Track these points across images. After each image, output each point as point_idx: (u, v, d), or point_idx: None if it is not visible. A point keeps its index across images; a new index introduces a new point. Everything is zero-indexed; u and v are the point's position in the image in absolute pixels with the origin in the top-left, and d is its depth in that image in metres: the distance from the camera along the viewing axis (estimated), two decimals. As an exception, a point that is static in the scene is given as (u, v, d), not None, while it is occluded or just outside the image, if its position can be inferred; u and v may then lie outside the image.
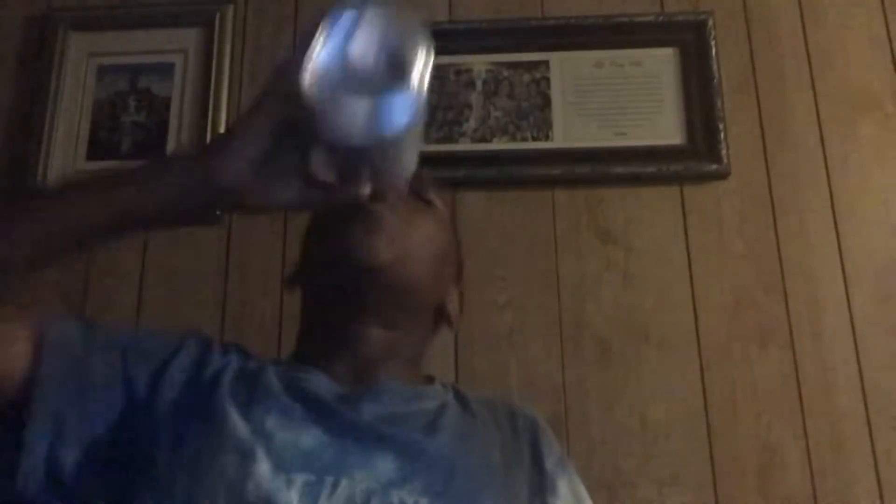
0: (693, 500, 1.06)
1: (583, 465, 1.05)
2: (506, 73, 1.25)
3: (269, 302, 1.16)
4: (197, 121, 1.23)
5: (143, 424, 0.62)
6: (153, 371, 0.65)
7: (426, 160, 0.65)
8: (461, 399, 0.72)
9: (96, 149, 1.23)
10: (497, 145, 1.22)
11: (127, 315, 1.15)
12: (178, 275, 1.18)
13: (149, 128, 1.24)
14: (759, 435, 1.08)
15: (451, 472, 0.61)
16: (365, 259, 0.65)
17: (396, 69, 0.55)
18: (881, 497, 1.05)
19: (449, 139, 1.22)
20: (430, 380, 0.75)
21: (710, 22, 1.25)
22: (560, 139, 1.22)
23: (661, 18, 1.26)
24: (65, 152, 1.23)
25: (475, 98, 1.24)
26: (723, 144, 1.19)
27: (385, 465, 0.59)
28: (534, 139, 1.22)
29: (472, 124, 1.23)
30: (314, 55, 0.53)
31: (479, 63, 1.26)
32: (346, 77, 0.53)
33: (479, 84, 1.25)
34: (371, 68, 0.54)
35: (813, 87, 1.24)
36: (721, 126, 1.20)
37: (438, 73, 1.25)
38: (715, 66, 1.22)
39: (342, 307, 0.69)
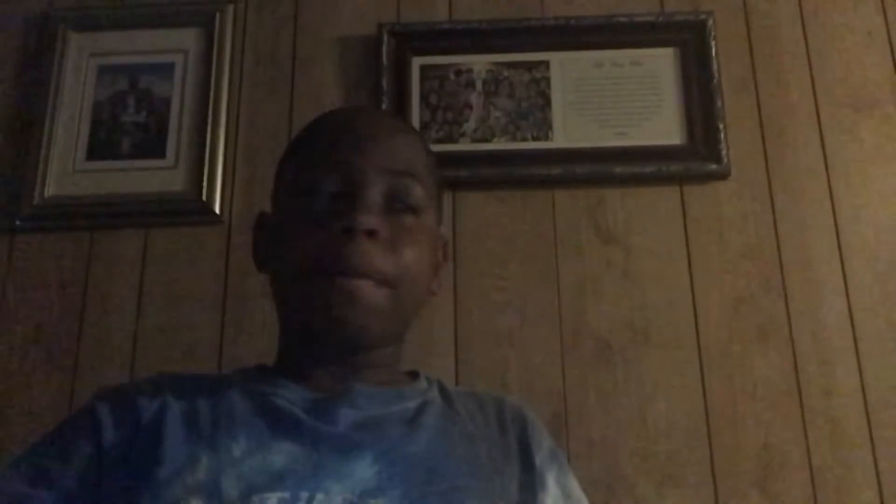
0: (693, 499, 1.06)
1: (582, 464, 1.06)
2: (506, 73, 1.25)
3: (269, 302, 1.14)
4: (197, 121, 1.23)
5: None
6: (82, 469, 0.60)
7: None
8: (445, 395, 0.70)
9: (96, 149, 1.23)
10: (497, 145, 1.22)
11: (127, 315, 1.15)
12: (178, 275, 1.18)
13: (149, 128, 1.24)
14: (759, 435, 1.08)
15: (431, 475, 0.60)
16: (349, 336, 0.64)
17: None
18: (881, 497, 1.05)
19: (449, 139, 1.22)
20: (413, 375, 0.73)
21: (710, 22, 1.25)
22: (560, 139, 1.22)
23: (661, 18, 1.26)
24: (65, 152, 1.23)
25: (475, 98, 1.24)
26: (723, 144, 1.19)
27: (362, 474, 0.58)
28: (534, 139, 1.22)
29: (472, 124, 1.23)
30: None
31: (479, 63, 1.26)
32: None
33: (479, 84, 1.25)
34: None
35: (813, 87, 1.24)
36: (721, 126, 1.20)
37: (438, 73, 1.25)
38: (715, 66, 1.22)
39: (336, 357, 0.68)
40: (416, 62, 1.26)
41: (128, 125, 1.24)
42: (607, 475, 1.06)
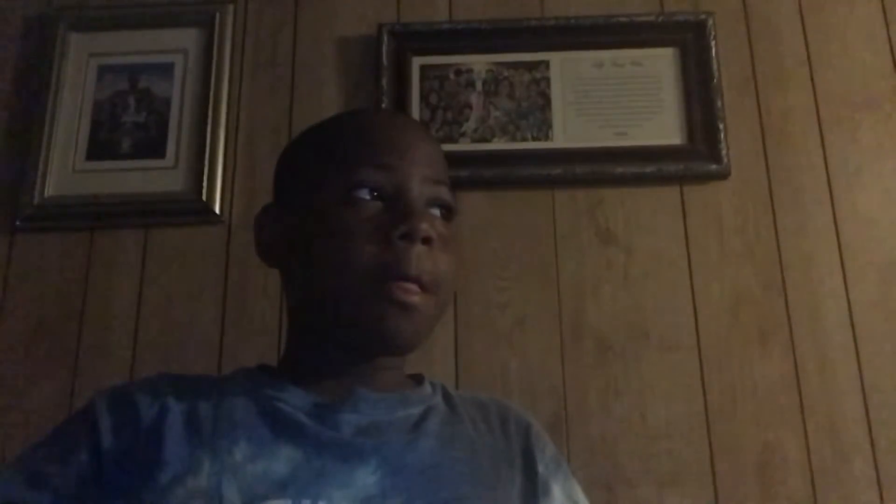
0: (693, 499, 1.06)
1: (583, 464, 1.06)
2: (506, 73, 1.25)
3: (269, 302, 1.16)
4: (197, 121, 1.23)
5: None
6: (80, 472, 0.60)
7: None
8: (449, 401, 0.70)
9: (96, 149, 1.23)
10: (497, 145, 1.22)
11: (127, 315, 1.15)
12: (178, 275, 1.18)
13: (149, 128, 1.24)
14: (759, 435, 1.08)
15: (434, 484, 0.60)
16: (398, 345, 0.64)
17: None
18: (881, 497, 1.05)
19: (449, 139, 1.22)
20: (417, 379, 0.72)
21: (710, 22, 1.25)
22: (560, 139, 1.22)
23: (661, 18, 1.26)
24: (65, 152, 1.23)
25: (475, 98, 1.24)
26: (723, 144, 1.19)
27: (364, 481, 0.58)
28: (534, 139, 1.22)
29: (472, 124, 1.23)
30: None
31: (479, 63, 1.26)
32: None
33: (479, 84, 1.25)
34: None
35: (813, 87, 1.24)
36: (721, 126, 1.20)
37: (438, 73, 1.25)
38: (715, 66, 1.23)
39: (349, 361, 0.67)
40: (416, 62, 1.26)
41: (128, 125, 1.24)
42: (607, 475, 1.06)
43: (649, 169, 1.19)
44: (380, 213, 0.63)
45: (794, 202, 1.19)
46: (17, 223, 1.19)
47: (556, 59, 1.26)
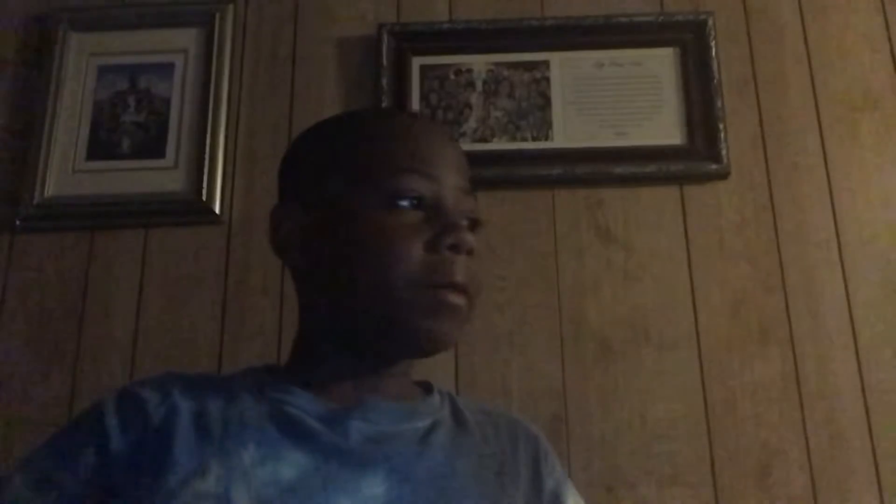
0: (693, 499, 1.06)
1: (583, 464, 1.06)
2: (506, 73, 1.25)
3: (269, 302, 1.16)
4: (197, 121, 1.23)
5: None
6: (88, 476, 0.60)
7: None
8: (457, 412, 0.70)
9: (96, 149, 1.23)
10: (497, 145, 1.22)
11: (127, 315, 1.15)
12: (178, 275, 1.18)
13: (149, 128, 1.24)
14: (759, 435, 1.08)
15: (440, 496, 0.60)
16: (440, 348, 0.65)
17: None
18: (881, 497, 1.05)
19: (449, 139, 1.21)
20: (426, 387, 0.72)
21: (710, 22, 1.25)
22: (560, 139, 1.22)
23: (661, 18, 1.26)
24: (65, 152, 1.23)
25: (475, 98, 1.24)
26: (723, 144, 1.19)
27: (372, 491, 0.58)
28: (534, 139, 1.22)
29: (472, 124, 1.23)
30: None
31: (479, 63, 1.26)
32: None
33: (479, 84, 1.25)
34: None
35: (813, 87, 1.24)
36: (721, 126, 1.20)
37: (438, 73, 1.25)
38: (715, 66, 1.23)
39: (370, 360, 0.67)
40: (416, 62, 1.26)
41: (128, 125, 1.24)
42: (607, 475, 1.06)
43: (649, 169, 1.19)
44: (422, 221, 0.64)
45: (794, 202, 1.19)
46: (17, 223, 1.19)
47: (556, 59, 1.26)
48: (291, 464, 0.58)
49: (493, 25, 1.26)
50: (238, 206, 1.21)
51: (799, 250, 1.16)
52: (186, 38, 1.28)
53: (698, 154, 1.20)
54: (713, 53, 1.23)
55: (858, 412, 1.09)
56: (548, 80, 1.25)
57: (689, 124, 1.21)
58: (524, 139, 1.22)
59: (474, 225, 0.68)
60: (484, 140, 1.22)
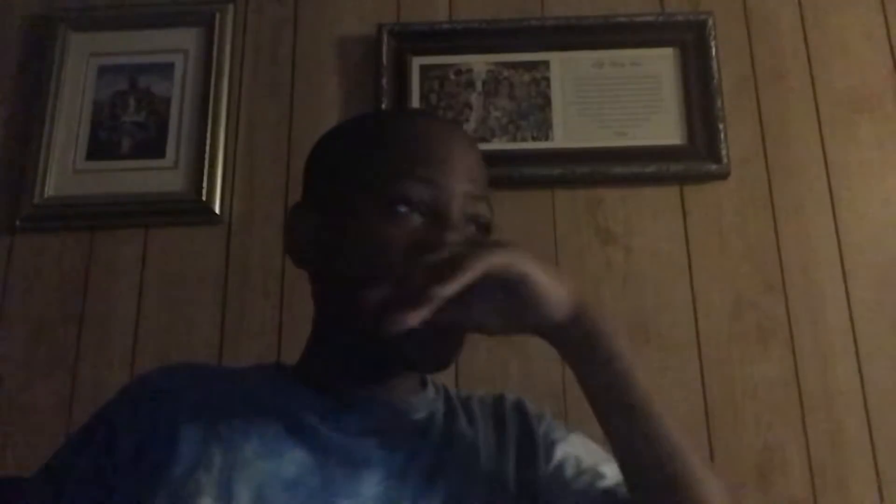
0: (693, 500, 1.05)
1: (583, 465, 1.05)
2: (506, 73, 1.25)
3: (269, 302, 1.16)
4: (197, 121, 1.23)
5: None
6: (99, 481, 0.61)
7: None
8: (450, 404, 0.70)
9: (96, 149, 1.23)
10: (497, 145, 1.22)
11: (127, 315, 1.15)
12: (178, 275, 1.18)
13: (149, 128, 1.24)
14: (759, 435, 1.08)
15: (435, 488, 0.61)
16: (437, 370, 0.64)
17: None
18: (881, 497, 1.05)
19: (449, 139, 1.21)
20: (421, 380, 0.72)
21: (710, 22, 1.25)
22: (560, 139, 1.22)
23: (661, 18, 1.26)
24: (65, 152, 1.23)
25: (475, 98, 1.24)
26: (723, 144, 1.19)
27: (370, 490, 0.59)
28: (534, 139, 1.22)
29: (472, 124, 1.23)
30: None
31: (479, 63, 1.26)
32: None
33: (479, 84, 1.25)
34: None
35: (813, 87, 1.24)
36: (721, 126, 1.20)
37: (438, 73, 1.25)
38: (715, 66, 1.22)
39: (369, 370, 0.66)
40: (416, 62, 1.26)
41: (128, 125, 1.24)
42: (607, 475, 1.06)
43: (649, 169, 1.19)
44: (419, 227, 0.62)
45: (794, 202, 1.19)
46: (17, 223, 1.19)
47: (556, 59, 1.25)
48: (293, 461, 0.59)
49: (493, 25, 1.26)
50: (238, 206, 1.21)
51: (799, 250, 1.16)
52: (186, 38, 1.28)
53: (698, 154, 1.20)
54: (713, 53, 1.23)
55: (858, 412, 1.09)
56: (548, 80, 1.25)
57: (689, 124, 1.21)
58: (524, 139, 1.22)
59: (485, 230, 0.66)
60: (484, 140, 1.22)
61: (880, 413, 1.09)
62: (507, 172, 1.20)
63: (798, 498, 1.06)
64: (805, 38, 1.26)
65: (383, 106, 1.22)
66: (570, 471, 0.67)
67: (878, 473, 1.06)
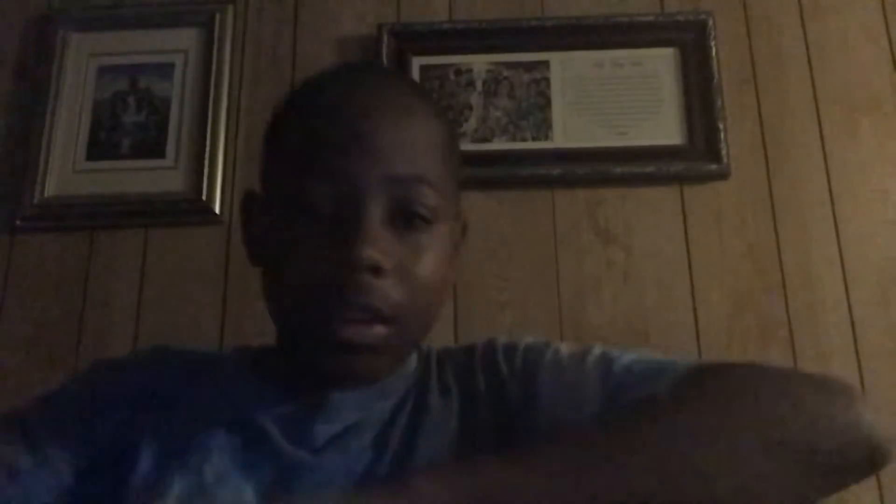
0: (693, 500, 1.05)
1: (583, 465, 1.05)
2: (506, 73, 1.25)
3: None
4: (197, 121, 1.23)
5: None
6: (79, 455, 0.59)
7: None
8: (426, 376, 0.61)
9: (96, 149, 1.23)
10: (497, 145, 1.22)
11: (127, 315, 1.15)
12: (178, 275, 1.18)
13: (149, 128, 1.24)
14: (759, 435, 1.08)
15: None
16: (355, 384, 0.57)
17: None
18: (881, 497, 1.05)
19: (449, 139, 1.22)
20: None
21: (710, 22, 1.25)
22: (560, 139, 1.22)
23: (661, 18, 1.27)
24: (65, 152, 1.23)
25: (475, 98, 1.24)
26: (723, 144, 1.19)
27: None
28: (534, 139, 1.22)
29: (472, 124, 1.23)
30: None
31: (479, 63, 1.26)
32: None
33: (479, 84, 1.25)
34: None
35: (813, 87, 1.24)
36: (721, 126, 1.20)
37: (438, 73, 1.25)
38: (715, 66, 1.23)
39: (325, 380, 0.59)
40: (416, 62, 1.26)
41: (128, 125, 1.24)
42: (607, 475, 1.06)
43: (649, 169, 1.19)
44: (324, 240, 0.52)
45: (794, 202, 1.19)
46: (17, 223, 1.19)
47: (556, 59, 1.26)
48: (253, 482, 0.54)
49: (493, 25, 1.26)
50: (238, 207, 1.21)
51: (799, 250, 1.16)
52: (186, 38, 1.28)
53: (698, 154, 1.20)
54: (713, 53, 1.23)
55: (858, 412, 1.09)
56: (548, 80, 1.25)
57: (689, 124, 1.21)
58: (524, 139, 1.22)
59: (428, 219, 0.54)
60: (484, 140, 1.22)
61: (880, 413, 1.08)
62: (507, 172, 1.20)
63: (798, 498, 1.05)
64: (805, 38, 1.26)
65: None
66: (549, 386, 0.58)
67: (878, 473, 1.06)
